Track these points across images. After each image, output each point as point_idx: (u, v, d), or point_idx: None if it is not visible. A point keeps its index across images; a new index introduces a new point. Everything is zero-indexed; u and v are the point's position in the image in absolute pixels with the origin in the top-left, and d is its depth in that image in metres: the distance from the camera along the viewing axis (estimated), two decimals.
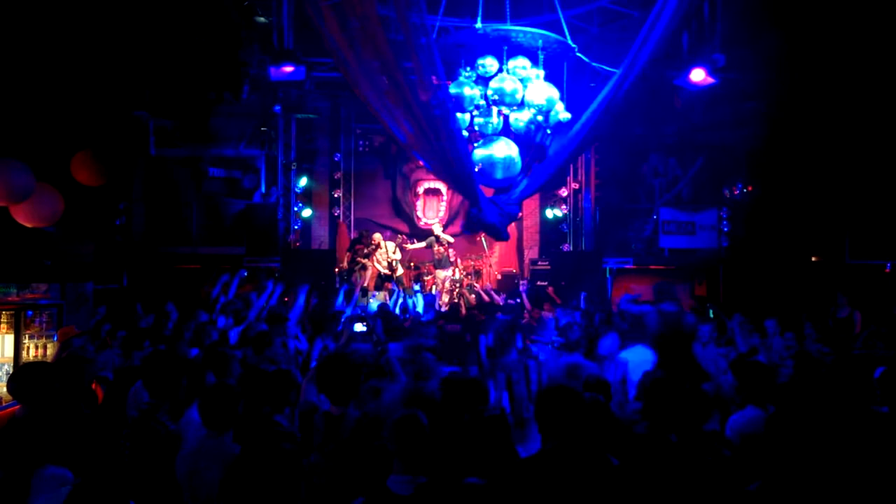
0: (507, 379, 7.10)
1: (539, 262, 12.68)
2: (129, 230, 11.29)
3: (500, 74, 8.82)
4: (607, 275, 11.90)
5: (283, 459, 2.35)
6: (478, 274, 12.79)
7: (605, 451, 2.82)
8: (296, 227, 12.39)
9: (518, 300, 8.77)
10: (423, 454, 2.58)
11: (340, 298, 7.47)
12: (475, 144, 9.22)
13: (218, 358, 4.13)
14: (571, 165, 11.91)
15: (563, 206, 13.45)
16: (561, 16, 8.92)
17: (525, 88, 8.77)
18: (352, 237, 13.13)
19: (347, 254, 12.27)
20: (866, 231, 10.46)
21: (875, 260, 10.28)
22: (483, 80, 8.92)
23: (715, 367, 5.48)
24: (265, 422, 3.31)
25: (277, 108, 11.10)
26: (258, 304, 6.81)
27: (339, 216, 13.81)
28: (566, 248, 13.26)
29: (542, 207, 13.73)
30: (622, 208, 12.82)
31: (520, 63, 8.83)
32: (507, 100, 8.74)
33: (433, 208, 14.11)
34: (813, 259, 11.41)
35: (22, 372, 3.72)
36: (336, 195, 13.78)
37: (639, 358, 5.16)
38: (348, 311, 6.91)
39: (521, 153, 9.26)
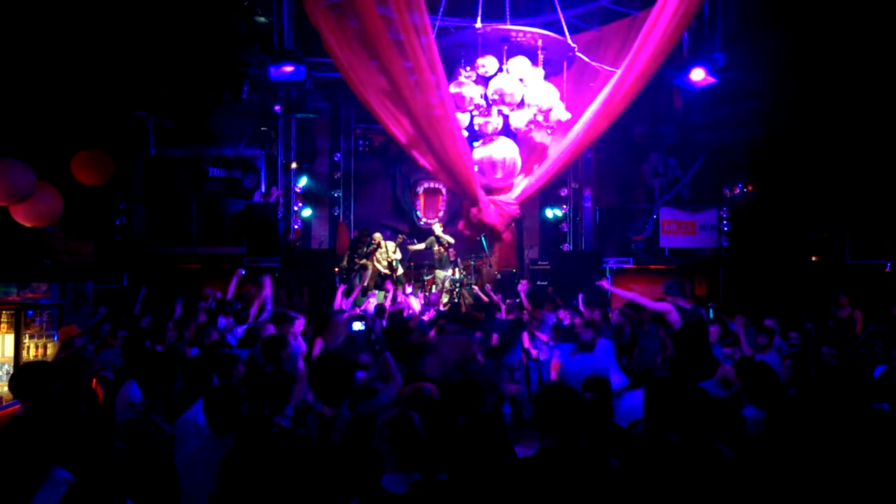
0: (510, 378, 7.12)
1: (539, 262, 12.68)
2: (129, 230, 11.28)
3: (499, 74, 8.82)
4: (607, 275, 11.89)
5: (276, 459, 2.35)
6: (478, 274, 12.78)
7: (604, 451, 2.82)
8: (296, 226, 12.38)
9: (517, 300, 8.77)
10: (417, 453, 2.58)
11: (339, 298, 7.48)
12: (475, 144, 9.22)
13: (221, 358, 4.13)
14: (571, 165, 11.90)
15: (563, 206, 13.45)
16: (561, 16, 8.93)
17: (525, 88, 8.77)
18: (352, 237, 13.13)
19: (347, 253, 12.27)
20: (866, 231, 10.46)
21: (875, 260, 10.28)
22: (483, 80, 8.91)
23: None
24: (262, 422, 3.31)
25: (277, 108, 11.10)
26: (256, 301, 6.81)
27: (339, 216, 13.81)
28: (566, 248, 13.26)
29: (542, 207, 13.72)
30: (622, 208, 12.82)
31: (520, 63, 8.83)
32: (507, 100, 8.73)
33: (433, 208, 14.10)
34: (813, 259, 11.41)
35: (23, 371, 3.72)
36: (336, 195, 13.78)
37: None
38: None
39: (521, 153, 9.26)
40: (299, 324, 5.96)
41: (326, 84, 11.09)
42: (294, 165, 12.13)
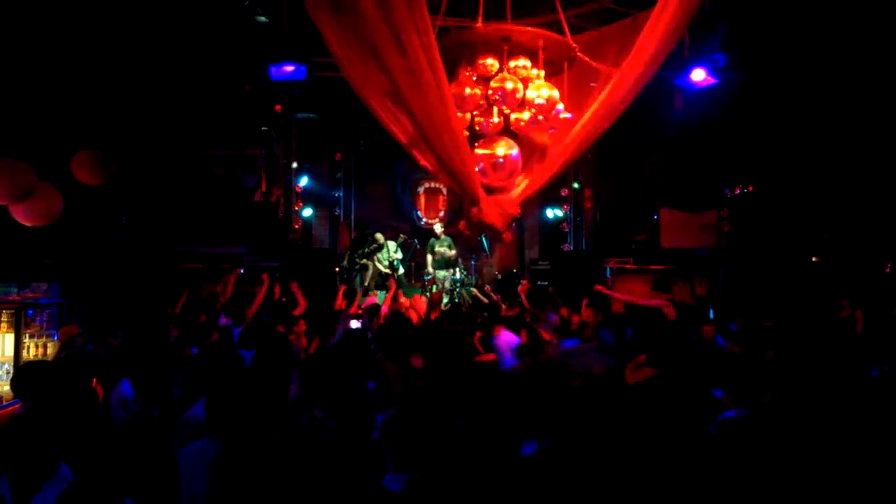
0: None
1: (539, 262, 12.68)
2: (130, 230, 11.28)
3: (500, 74, 8.81)
4: (607, 275, 11.89)
5: (268, 459, 2.34)
6: (478, 274, 12.79)
7: (604, 452, 2.82)
8: (296, 226, 12.39)
9: (517, 300, 8.77)
10: (416, 452, 2.58)
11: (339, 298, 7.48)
12: (475, 144, 9.21)
13: (224, 359, 4.13)
14: (571, 165, 11.90)
15: (564, 206, 13.44)
16: (561, 16, 8.92)
17: (525, 88, 8.76)
18: (353, 237, 13.13)
19: (347, 253, 12.27)
20: (865, 231, 10.46)
21: (875, 260, 10.28)
22: (483, 80, 8.90)
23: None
24: (257, 421, 3.30)
25: (278, 107, 11.09)
26: (256, 301, 6.81)
27: (339, 216, 13.81)
28: (566, 248, 13.26)
29: (543, 207, 13.73)
30: (622, 208, 12.81)
31: (520, 63, 8.82)
32: (508, 100, 8.72)
33: (433, 208, 14.11)
34: (813, 259, 11.41)
35: (25, 370, 3.74)
36: (336, 195, 13.78)
37: None
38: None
39: (522, 153, 9.25)
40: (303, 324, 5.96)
41: (327, 83, 11.08)
42: (294, 165, 12.12)
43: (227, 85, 11.03)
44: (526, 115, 8.89)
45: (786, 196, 11.28)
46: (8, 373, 7.40)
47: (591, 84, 9.10)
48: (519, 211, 9.64)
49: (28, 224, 8.25)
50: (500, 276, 12.86)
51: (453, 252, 11.83)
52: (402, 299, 9.05)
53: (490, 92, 8.82)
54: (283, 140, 11.80)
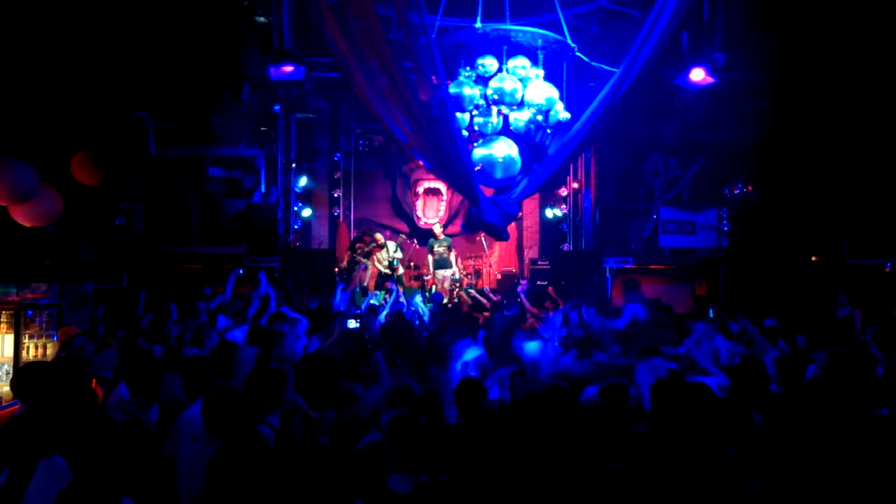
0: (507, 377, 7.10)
1: (539, 262, 12.67)
2: (129, 230, 11.28)
3: (499, 74, 8.82)
4: (607, 275, 11.89)
5: (261, 461, 2.34)
6: (478, 274, 12.78)
7: (604, 452, 2.82)
8: (296, 226, 12.37)
9: (517, 300, 8.76)
10: (422, 453, 2.57)
11: (338, 297, 7.46)
12: (475, 144, 9.22)
13: (224, 359, 4.12)
14: (571, 165, 11.90)
15: (563, 206, 13.43)
16: (561, 16, 8.92)
17: (525, 88, 8.77)
18: (352, 237, 13.13)
19: (348, 253, 12.27)
20: (866, 231, 10.46)
21: (875, 260, 10.28)
22: (483, 80, 8.91)
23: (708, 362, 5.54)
24: (254, 421, 3.29)
25: (277, 108, 11.09)
26: (254, 300, 6.80)
27: (339, 216, 13.81)
28: (566, 248, 13.25)
29: (542, 207, 13.72)
30: (622, 208, 12.81)
31: (519, 63, 8.83)
32: (507, 99, 8.73)
33: (433, 208, 14.09)
34: (813, 259, 11.41)
35: (25, 371, 3.74)
36: (336, 195, 13.77)
37: None
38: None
39: (521, 153, 9.26)
40: (303, 324, 5.94)
41: (326, 84, 11.07)
42: (294, 165, 12.12)
43: (228, 85, 11.02)
44: (525, 115, 8.91)
45: (786, 196, 11.27)
46: (7, 373, 7.39)
47: (591, 84, 9.12)
48: (518, 211, 9.65)
49: (28, 225, 8.25)
50: (499, 276, 12.85)
51: (452, 253, 11.84)
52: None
53: (489, 92, 8.84)
54: (282, 140, 11.79)
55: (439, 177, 10.58)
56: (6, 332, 7.48)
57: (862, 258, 10.42)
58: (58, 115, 9.39)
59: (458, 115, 8.57)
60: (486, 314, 9.36)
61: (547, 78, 8.96)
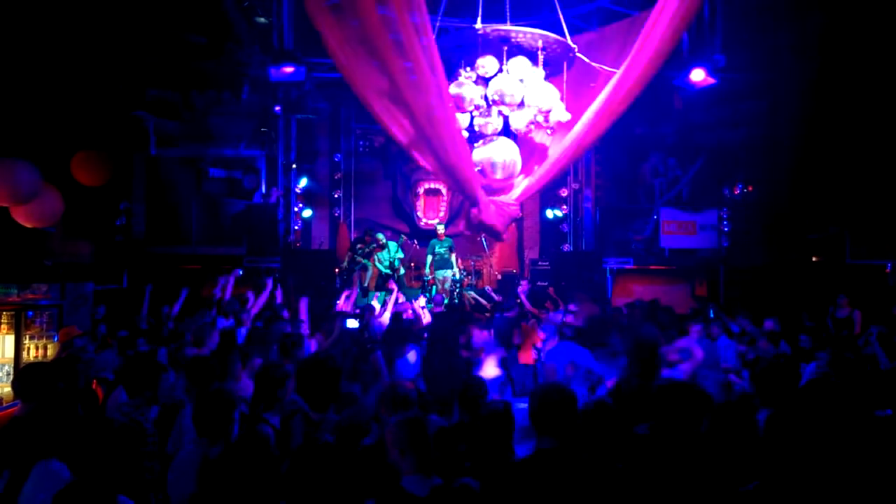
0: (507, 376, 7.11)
1: (539, 263, 12.67)
2: (129, 230, 11.28)
3: (500, 75, 8.82)
4: (607, 275, 11.90)
5: (259, 462, 2.33)
6: (478, 274, 12.78)
7: (604, 452, 2.82)
8: (296, 227, 12.37)
9: (517, 300, 8.76)
10: (432, 454, 2.57)
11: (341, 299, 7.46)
12: (475, 145, 9.22)
13: (224, 360, 4.13)
14: (571, 165, 11.90)
15: (563, 206, 13.44)
16: (561, 16, 8.92)
17: (525, 89, 8.76)
18: (352, 237, 13.13)
19: (348, 254, 12.27)
20: (866, 231, 10.45)
21: (875, 260, 10.27)
22: (483, 81, 8.91)
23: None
24: (252, 421, 3.29)
25: (277, 108, 11.09)
26: (259, 302, 6.80)
27: (339, 216, 13.81)
28: (566, 248, 13.26)
29: (542, 207, 13.72)
30: (622, 208, 12.81)
31: (520, 63, 8.83)
32: (507, 100, 8.73)
33: (433, 208, 14.09)
34: (813, 259, 11.41)
35: (26, 372, 3.74)
36: (336, 195, 13.78)
37: None
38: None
39: (522, 154, 9.26)
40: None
41: (326, 84, 11.08)
42: (294, 166, 12.12)
43: (228, 86, 11.03)
44: (526, 116, 8.91)
45: (786, 196, 11.27)
46: (8, 374, 7.39)
47: (591, 84, 9.11)
48: (518, 212, 9.65)
49: (29, 225, 8.25)
50: (500, 277, 12.85)
51: (453, 254, 11.85)
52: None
53: (490, 93, 8.83)
54: (282, 141, 11.79)
55: (439, 177, 10.56)
56: (7, 333, 7.49)
57: (862, 258, 10.41)
58: (58, 116, 9.39)
59: (459, 115, 8.57)
60: (487, 314, 9.36)
61: (547, 78, 8.96)
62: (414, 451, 2.53)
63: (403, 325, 6.73)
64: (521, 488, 2.46)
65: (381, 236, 12.07)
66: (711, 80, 8.94)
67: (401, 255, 12.22)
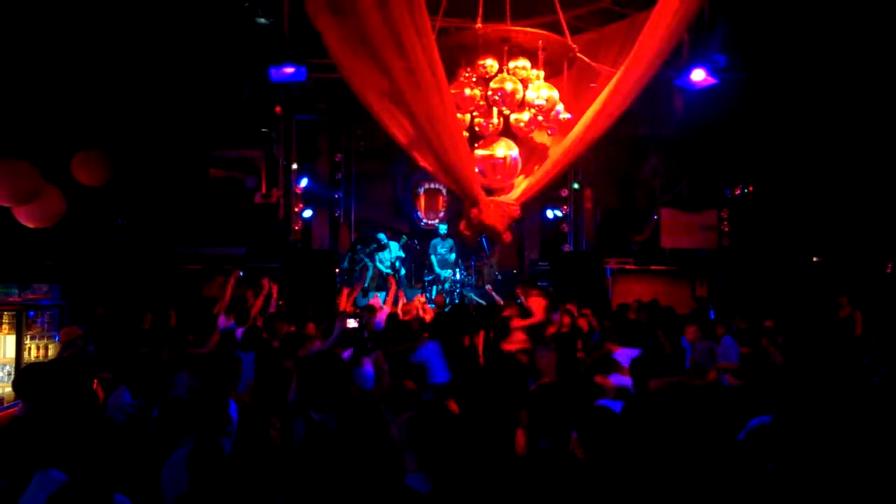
0: None
1: (539, 263, 12.68)
2: (131, 231, 11.30)
3: (500, 75, 8.82)
4: (607, 275, 11.90)
5: (259, 462, 2.34)
6: (479, 274, 12.79)
7: (604, 452, 2.82)
8: (296, 227, 12.39)
9: (518, 300, 8.75)
10: (438, 452, 2.57)
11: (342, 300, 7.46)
12: (475, 145, 9.21)
13: (225, 362, 4.12)
14: (572, 166, 11.90)
15: (564, 207, 13.45)
16: (561, 17, 8.92)
17: (525, 89, 8.76)
18: (353, 238, 13.14)
19: (349, 254, 12.29)
20: (866, 231, 10.46)
21: (875, 260, 10.28)
22: (483, 81, 8.91)
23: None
24: (254, 421, 3.29)
25: (278, 108, 11.10)
26: (258, 303, 6.81)
27: (339, 217, 13.82)
28: (566, 248, 13.27)
29: (543, 208, 13.73)
30: (622, 208, 12.82)
31: (520, 63, 8.83)
32: (508, 100, 8.73)
33: (433, 209, 14.11)
34: (813, 259, 11.41)
35: (27, 372, 3.75)
36: (337, 196, 13.79)
37: None
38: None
39: (522, 154, 9.25)
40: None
41: (327, 84, 11.09)
42: (295, 166, 12.13)
43: (228, 86, 11.03)
44: (526, 116, 8.91)
45: (786, 196, 11.28)
46: (9, 374, 7.40)
47: (591, 84, 9.11)
48: (518, 212, 9.64)
49: (30, 226, 8.26)
50: (500, 277, 12.86)
51: (454, 255, 11.86)
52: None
53: (490, 93, 8.83)
54: (283, 141, 11.80)
55: (439, 178, 10.56)
56: (8, 333, 7.50)
57: (862, 258, 10.42)
58: (59, 115, 9.40)
59: (459, 115, 8.57)
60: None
61: (547, 79, 8.96)
62: (419, 448, 2.54)
63: (401, 326, 6.74)
64: (522, 486, 2.48)
65: (381, 236, 12.09)
66: (712, 81, 8.94)
67: (402, 255, 12.23)
